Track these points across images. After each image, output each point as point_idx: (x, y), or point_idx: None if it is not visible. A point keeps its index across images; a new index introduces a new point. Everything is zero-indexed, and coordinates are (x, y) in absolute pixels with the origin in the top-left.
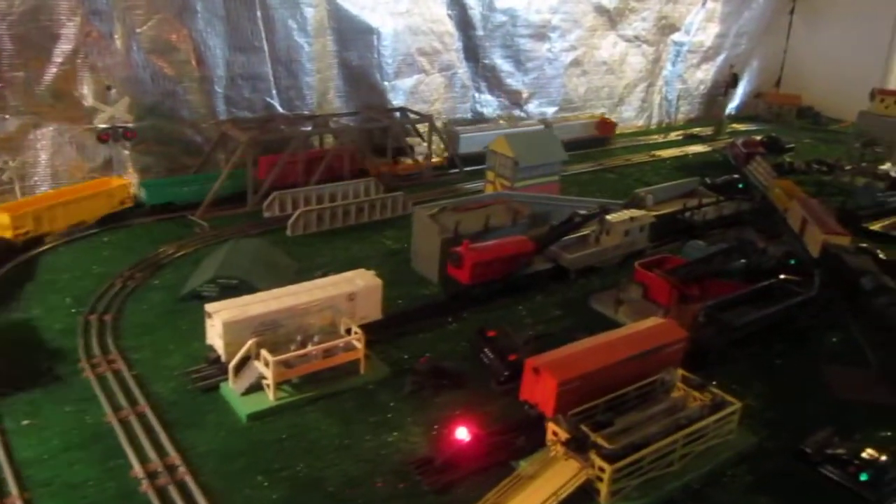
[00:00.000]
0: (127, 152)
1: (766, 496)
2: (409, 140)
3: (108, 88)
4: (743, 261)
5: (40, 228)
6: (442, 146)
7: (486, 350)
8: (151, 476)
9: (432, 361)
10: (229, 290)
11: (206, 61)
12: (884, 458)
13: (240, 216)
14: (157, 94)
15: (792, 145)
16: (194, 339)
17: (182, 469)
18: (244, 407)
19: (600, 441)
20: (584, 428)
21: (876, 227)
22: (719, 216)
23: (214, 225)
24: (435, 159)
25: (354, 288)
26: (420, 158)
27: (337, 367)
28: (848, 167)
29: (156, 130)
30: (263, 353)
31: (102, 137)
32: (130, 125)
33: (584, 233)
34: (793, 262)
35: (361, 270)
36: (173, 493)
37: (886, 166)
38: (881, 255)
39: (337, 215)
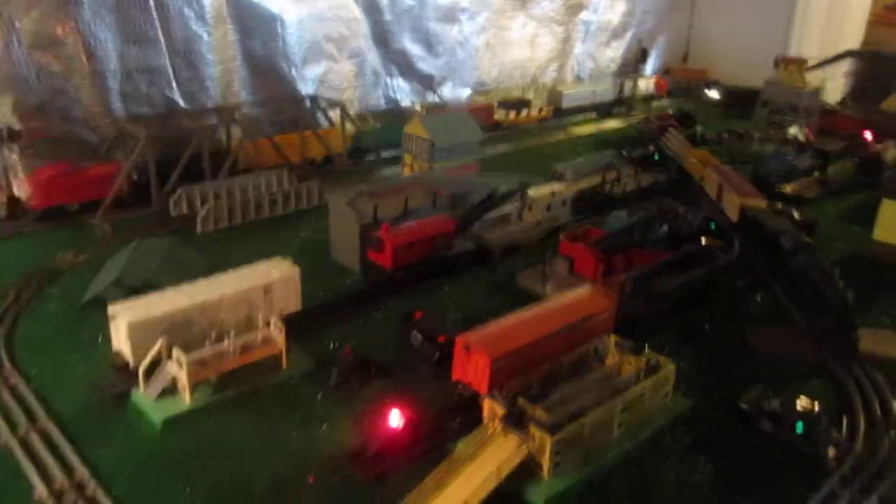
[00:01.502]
0: (15, 156)
1: (705, 456)
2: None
3: None
4: (665, 228)
5: None
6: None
7: (414, 333)
8: (57, 497)
9: (357, 352)
10: (135, 294)
11: (96, 55)
12: (816, 408)
13: (145, 216)
14: (44, 93)
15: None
16: (98, 347)
17: (92, 486)
18: (158, 413)
19: (538, 414)
20: (520, 402)
21: (787, 189)
22: (638, 188)
23: (118, 227)
24: None
25: (270, 279)
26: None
27: (257, 362)
28: (757, 135)
29: (46, 132)
30: (176, 352)
31: None
32: (16, 127)
33: (506, 211)
34: (713, 226)
35: (277, 259)
36: None
37: (793, 130)
38: (796, 216)
39: (249, 208)
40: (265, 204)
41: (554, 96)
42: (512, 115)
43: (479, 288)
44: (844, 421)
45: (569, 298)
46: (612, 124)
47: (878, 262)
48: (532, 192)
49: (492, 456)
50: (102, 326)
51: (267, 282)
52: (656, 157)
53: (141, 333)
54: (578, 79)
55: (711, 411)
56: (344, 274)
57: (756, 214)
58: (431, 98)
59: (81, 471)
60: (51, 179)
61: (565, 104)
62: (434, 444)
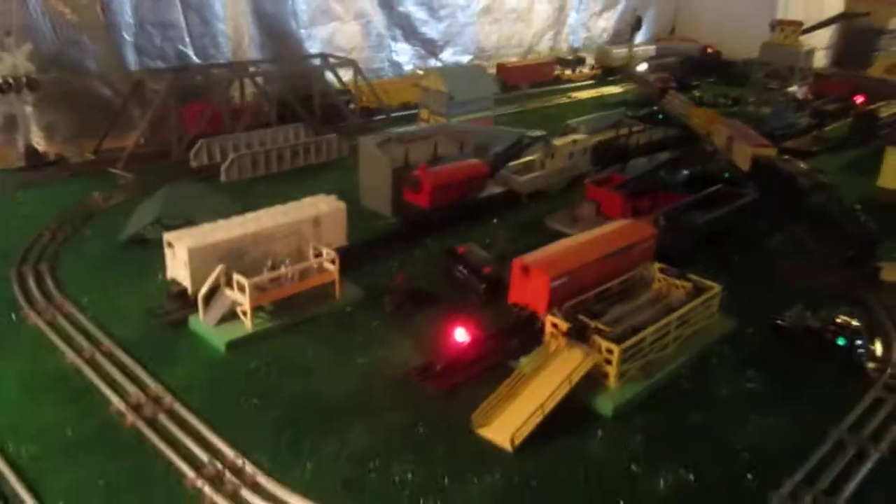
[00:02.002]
0: (30, 109)
1: (754, 369)
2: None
3: (8, 34)
4: (685, 172)
5: None
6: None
7: (458, 267)
8: (135, 409)
9: (409, 280)
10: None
11: (110, 7)
12: (855, 323)
13: (165, 168)
14: (59, 44)
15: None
16: (146, 280)
17: (169, 398)
18: (220, 337)
19: (602, 327)
20: (581, 318)
21: (790, 145)
22: (649, 141)
23: (139, 177)
24: None
25: (318, 212)
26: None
27: (311, 292)
28: (752, 99)
29: (61, 84)
30: (237, 277)
31: (3, 88)
32: (34, 75)
33: (530, 158)
34: (727, 175)
35: (322, 196)
36: (166, 422)
37: (793, 88)
38: (803, 167)
39: (272, 160)
40: (287, 156)
41: (601, 56)
42: (567, 72)
43: (510, 229)
44: (878, 341)
45: (612, 228)
46: (612, 90)
47: (884, 206)
48: (555, 141)
49: (559, 367)
50: (146, 262)
51: (316, 214)
52: (660, 117)
53: (200, 259)
54: (572, 48)
55: (754, 330)
56: (376, 218)
57: (769, 161)
58: (433, 63)
59: (154, 386)
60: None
61: (615, 64)
62: (497, 362)
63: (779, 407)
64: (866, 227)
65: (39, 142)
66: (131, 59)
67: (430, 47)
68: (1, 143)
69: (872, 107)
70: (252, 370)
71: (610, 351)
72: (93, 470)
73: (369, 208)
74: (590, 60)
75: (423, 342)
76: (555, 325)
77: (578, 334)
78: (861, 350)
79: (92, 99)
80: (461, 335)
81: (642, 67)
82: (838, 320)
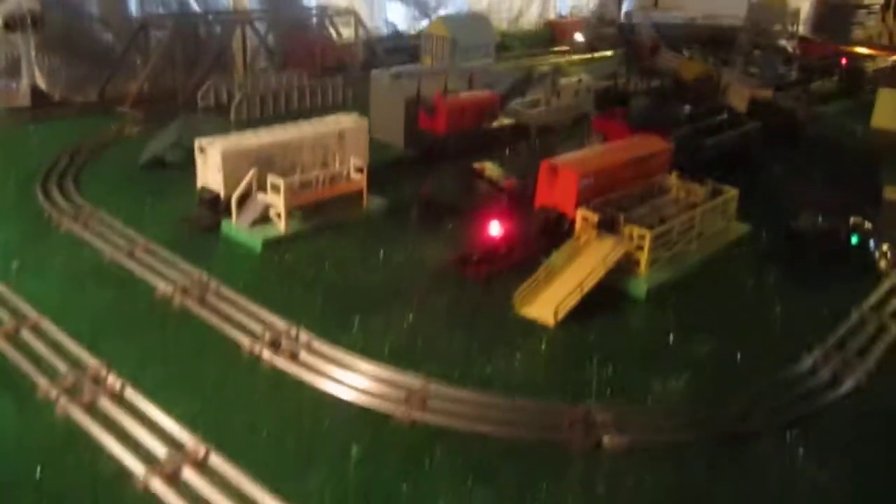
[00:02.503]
0: (33, 52)
1: (773, 265)
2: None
3: None
4: (687, 108)
5: None
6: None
7: (479, 182)
8: (182, 292)
9: (434, 191)
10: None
11: None
12: (867, 224)
13: (173, 108)
14: None
15: None
16: (171, 196)
17: (214, 283)
18: (256, 237)
19: (630, 219)
20: (612, 210)
21: None
22: (647, 88)
23: (148, 116)
24: None
25: (343, 126)
26: None
27: (338, 203)
28: (740, 58)
29: (63, 28)
30: (271, 178)
31: (9, 24)
32: (38, 11)
33: (536, 97)
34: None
35: (342, 114)
36: (214, 301)
37: (783, 42)
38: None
39: (280, 100)
40: (294, 97)
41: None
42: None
43: (521, 158)
44: (887, 244)
45: (631, 140)
46: (602, 53)
47: (877, 144)
48: (561, 79)
49: (592, 254)
50: (169, 181)
51: (340, 129)
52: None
53: (233, 163)
54: (560, 16)
55: (768, 236)
56: (388, 149)
57: (767, 100)
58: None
59: (198, 273)
60: None
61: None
62: (528, 258)
63: (802, 294)
64: (871, 145)
65: (43, 85)
66: (133, 5)
67: (423, 9)
68: (4, 85)
69: (860, 62)
70: (290, 264)
71: (642, 237)
72: (148, 341)
73: (382, 141)
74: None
75: (453, 243)
76: (585, 219)
77: (609, 226)
78: (874, 248)
79: (94, 44)
80: (495, 228)
81: (579, 38)
82: (851, 221)
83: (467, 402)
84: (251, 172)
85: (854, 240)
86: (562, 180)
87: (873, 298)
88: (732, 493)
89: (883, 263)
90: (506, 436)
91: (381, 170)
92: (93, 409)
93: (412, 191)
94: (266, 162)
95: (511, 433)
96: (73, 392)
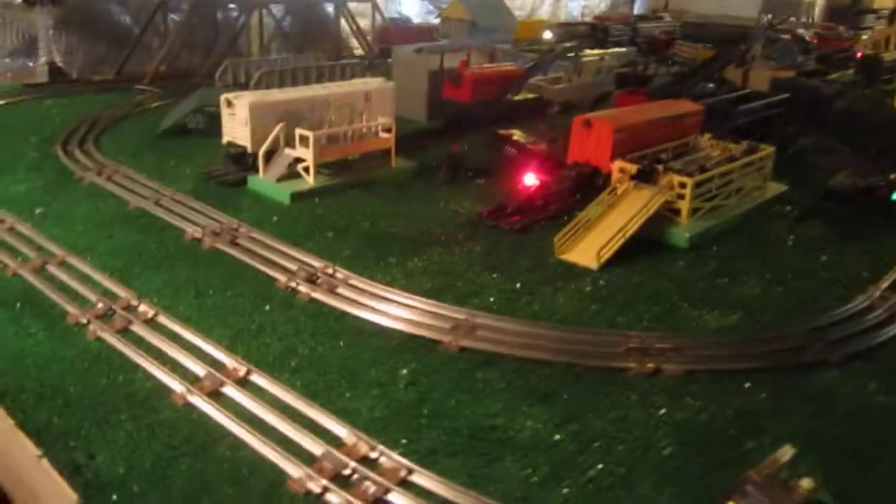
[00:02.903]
0: (52, 30)
1: (812, 220)
2: None
3: None
4: (711, 86)
5: None
6: None
7: (508, 147)
8: (214, 234)
9: (463, 152)
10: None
11: None
12: None
13: (191, 86)
14: None
15: None
16: (195, 156)
17: (244, 228)
18: (283, 191)
19: (671, 167)
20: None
21: None
22: (667, 72)
23: (166, 92)
24: None
25: (369, 87)
26: None
27: (366, 163)
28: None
29: (81, 9)
30: (299, 131)
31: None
32: None
33: (558, 74)
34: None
35: (369, 78)
36: (246, 243)
37: (801, 31)
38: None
39: (298, 79)
40: (312, 76)
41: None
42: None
43: (547, 128)
44: None
45: (663, 102)
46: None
47: None
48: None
49: (632, 203)
50: (191, 145)
51: (367, 89)
52: (671, 62)
53: (261, 116)
54: (570, 16)
55: (804, 195)
56: (410, 124)
57: (790, 78)
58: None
59: (227, 219)
60: None
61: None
62: (564, 210)
63: (846, 245)
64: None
65: (60, 62)
66: None
67: (436, 2)
68: (21, 63)
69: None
70: (320, 214)
71: (683, 185)
72: (179, 276)
73: (404, 117)
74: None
75: (485, 199)
76: (622, 170)
77: (646, 178)
78: None
79: (112, 25)
80: (531, 179)
81: (547, 35)
82: (892, 176)
83: (517, 332)
84: (278, 127)
85: (895, 195)
86: (596, 134)
87: None
88: (799, 418)
89: None
90: (561, 361)
91: (406, 140)
92: (126, 334)
93: (439, 155)
94: (293, 117)
95: (566, 360)
96: (104, 318)
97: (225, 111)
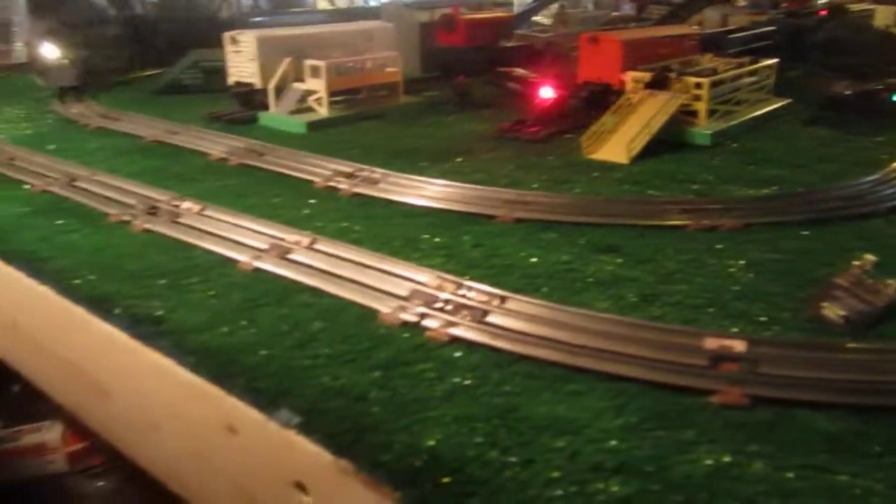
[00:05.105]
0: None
1: (820, 123)
2: None
3: None
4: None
5: None
6: None
7: (508, 82)
8: (238, 154)
9: (469, 83)
10: (215, 76)
11: None
12: None
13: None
14: None
15: None
16: (198, 107)
17: (268, 147)
18: (298, 122)
19: (684, 73)
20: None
21: None
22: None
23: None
24: None
25: (371, 27)
26: None
27: (374, 98)
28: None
29: None
30: (310, 62)
31: None
32: None
33: (544, 25)
34: None
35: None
36: (274, 157)
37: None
38: None
39: None
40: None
41: None
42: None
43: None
44: None
45: (659, 25)
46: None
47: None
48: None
49: (650, 107)
50: (189, 101)
51: (369, 28)
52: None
53: (269, 51)
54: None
55: (806, 105)
56: (405, 76)
57: (770, 18)
58: None
59: (249, 142)
60: None
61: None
62: (580, 124)
63: (857, 139)
64: (882, 40)
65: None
66: None
67: None
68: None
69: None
70: (340, 139)
71: (699, 86)
72: (213, 185)
73: None
74: None
75: (497, 122)
76: (635, 80)
77: (661, 84)
78: None
79: (85, 5)
80: (548, 92)
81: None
82: (890, 80)
83: (568, 203)
84: (286, 61)
85: (895, 97)
86: (604, 50)
87: None
88: (859, 254)
89: None
90: (618, 223)
91: (407, 85)
92: (174, 226)
93: (442, 94)
94: (299, 53)
95: (622, 221)
96: (148, 215)
97: (229, 49)
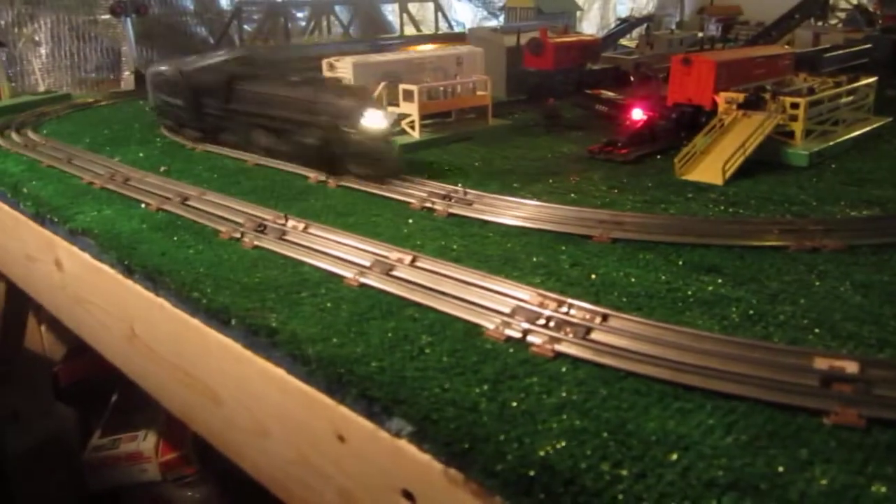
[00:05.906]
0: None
1: None
2: None
3: None
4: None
5: None
6: None
7: (597, 105)
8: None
9: (559, 105)
10: None
11: None
12: None
13: None
14: None
15: None
16: None
17: None
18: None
19: (779, 93)
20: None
21: None
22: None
23: None
24: None
25: (460, 51)
26: None
27: (462, 123)
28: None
29: (159, 23)
30: (403, 86)
31: (117, 10)
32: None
33: (630, 48)
34: None
35: (458, 45)
36: (359, 184)
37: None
38: None
39: None
40: None
41: None
42: None
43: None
44: None
45: (753, 46)
46: None
47: None
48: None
49: (745, 127)
50: None
51: (459, 53)
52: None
53: (363, 75)
54: (618, 19)
55: None
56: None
57: (866, 36)
58: (493, 23)
59: None
60: None
61: None
62: (669, 146)
63: None
64: None
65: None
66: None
67: (490, 8)
68: (106, 76)
69: None
70: (430, 161)
71: (795, 105)
72: (315, 205)
73: None
74: None
75: (587, 144)
76: (728, 101)
77: (755, 105)
78: None
79: (189, 38)
80: (638, 114)
81: None
82: None
83: (665, 224)
84: (381, 85)
85: None
86: (696, 71)
87: None
88: None
89: None
90: (717, 244)
91: (494, 108)
92: (282, 243)
93: (531, 117)
94: (393, 77)
95: (722, 242)
96: (257, 232)
97: (327, 75)
